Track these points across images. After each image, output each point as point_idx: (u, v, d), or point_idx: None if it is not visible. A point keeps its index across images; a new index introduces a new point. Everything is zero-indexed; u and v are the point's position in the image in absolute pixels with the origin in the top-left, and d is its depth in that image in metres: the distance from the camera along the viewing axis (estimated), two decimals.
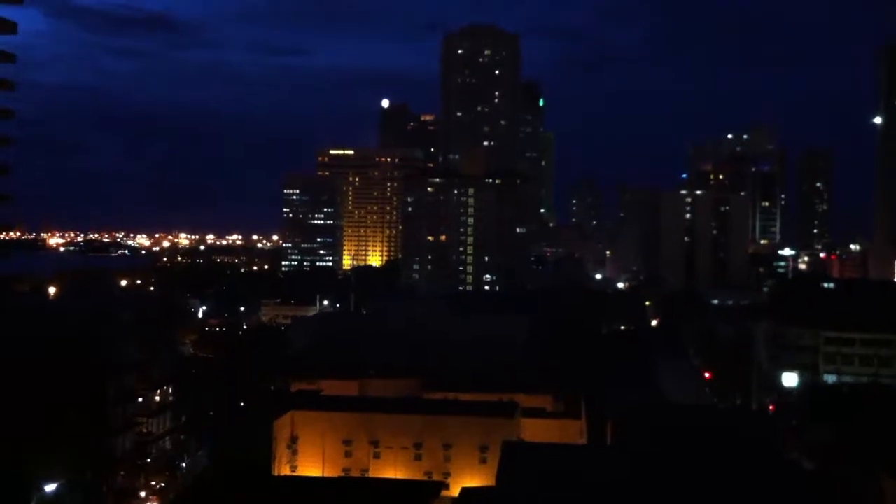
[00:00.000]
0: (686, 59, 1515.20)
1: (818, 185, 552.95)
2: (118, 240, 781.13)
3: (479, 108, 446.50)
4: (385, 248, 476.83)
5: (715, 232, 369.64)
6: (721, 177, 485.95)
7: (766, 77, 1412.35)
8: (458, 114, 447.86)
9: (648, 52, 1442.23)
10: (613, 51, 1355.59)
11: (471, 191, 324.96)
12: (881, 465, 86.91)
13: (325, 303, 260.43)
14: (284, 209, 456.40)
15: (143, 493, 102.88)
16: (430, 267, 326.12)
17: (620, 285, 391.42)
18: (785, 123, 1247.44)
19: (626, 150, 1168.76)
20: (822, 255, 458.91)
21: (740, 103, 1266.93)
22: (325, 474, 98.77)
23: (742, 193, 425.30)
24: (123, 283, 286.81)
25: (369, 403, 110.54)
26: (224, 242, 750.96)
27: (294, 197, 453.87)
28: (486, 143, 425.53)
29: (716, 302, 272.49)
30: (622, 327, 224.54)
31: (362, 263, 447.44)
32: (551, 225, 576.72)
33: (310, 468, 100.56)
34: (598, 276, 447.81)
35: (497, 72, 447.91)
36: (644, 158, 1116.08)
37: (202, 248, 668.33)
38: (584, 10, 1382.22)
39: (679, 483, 64.84)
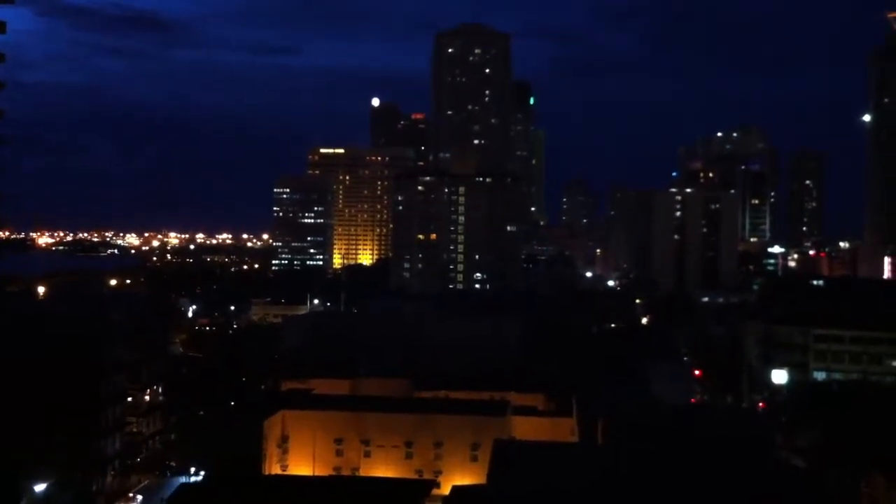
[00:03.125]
0: (678, 61, 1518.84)
1: (808, 183, 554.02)
2: (108, 239, 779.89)
3: (469, 108, 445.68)
4: (375, 247, 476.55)
5: (705, 230, 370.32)
6: (711, 175, 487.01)
7: (757, 80, 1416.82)
8: (449, 113, 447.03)
9: (641, 54, 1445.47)
10: (606, 53, 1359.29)
11: (461, 190, 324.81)
12: (870, 461, 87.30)
13: (316, 302, 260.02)
14: (275, 208, 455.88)
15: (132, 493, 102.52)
16: (420, 266, 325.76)
17: (611, 284, 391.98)
18: (776, 125, 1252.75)
19: (617, 151, 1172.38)
20: (811, 252, 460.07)
21: (731, 106, 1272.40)
22: (316, 473, 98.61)
23: (732, 192, 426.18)
24: (113, 282, 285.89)
25: (360, 402, 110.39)
26: (214, 242, 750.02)
27: (284, 196, 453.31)
28: (476, 143, 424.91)
29: (706, 300, 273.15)
30: (613, 326, 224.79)
31: (353, 262, 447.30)
32: (542, 224, 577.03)
33: (300, 467, 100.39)
34: (589, 275, 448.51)
35: (488, 71, 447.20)
36: (635, 159, 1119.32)
37: (192, 247, 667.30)
38: (578, 13, 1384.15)
39: (668, 482, 64.84)
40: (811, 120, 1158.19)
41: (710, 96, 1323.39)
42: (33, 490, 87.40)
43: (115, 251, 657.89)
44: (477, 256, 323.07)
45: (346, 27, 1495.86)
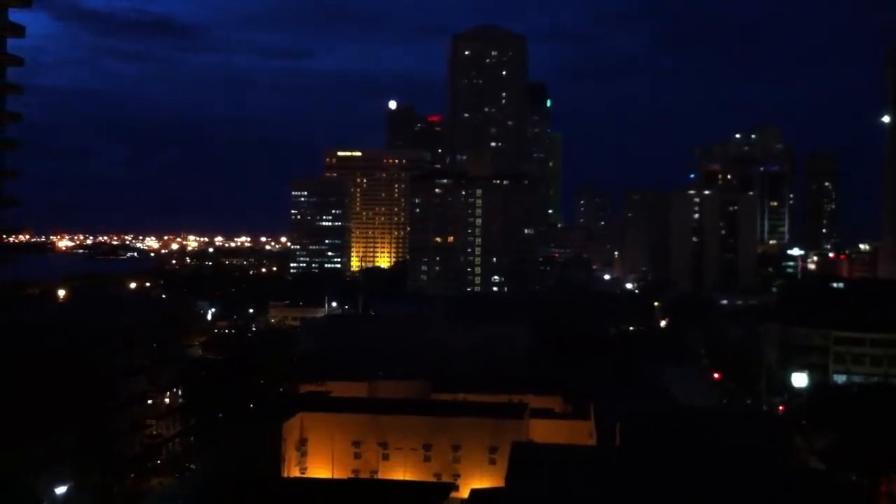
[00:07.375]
0: (692, 63, 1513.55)
1: (826, 184, 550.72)
2: (127, 242, 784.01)
3: (485, 110, 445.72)
4: (393, 250, 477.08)
5: (723, 232, 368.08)
6: (729, 177, 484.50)
7: (772, 81, 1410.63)
8: (465, 115, 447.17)
9: (654, 56, 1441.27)
10: (619, 56, 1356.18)
11: (478, 192, 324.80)
12: (890, 464, 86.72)
13: (334, 305, 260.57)
14: (292, 211, 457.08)
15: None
16: (437, 268, 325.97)
17: (629, 286, 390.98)
18: (791, 126, 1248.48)
19: (632, 153, 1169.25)
20: (831, 254, 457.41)
21: (747, 107, 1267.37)
22: (335, 476, 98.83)
23: (750, 193, 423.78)
24: (132, 285, 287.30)
25: (378, 405, 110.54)
26: (232, 245, 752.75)
27: (302, 199, 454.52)
28: (493, 145, 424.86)
29: (724, 302, 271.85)
30: (631, 329, 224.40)
31: (370, 265, 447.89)
32: (559, 226, 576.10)
33: (319, 470, 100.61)
34: (607, 277, 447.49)
35: (504, 73, 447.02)
36: (651, 160, 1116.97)
37: (210, 250, 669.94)
38: (591, 16, 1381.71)
39: (685, 485, 64.73)
40: (824, 120, 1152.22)
41: (724, 97, 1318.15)
42: (54, 492, 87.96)
43: (135, 254, 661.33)
44: (494, 259, 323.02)
45: (361, 30, 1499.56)
